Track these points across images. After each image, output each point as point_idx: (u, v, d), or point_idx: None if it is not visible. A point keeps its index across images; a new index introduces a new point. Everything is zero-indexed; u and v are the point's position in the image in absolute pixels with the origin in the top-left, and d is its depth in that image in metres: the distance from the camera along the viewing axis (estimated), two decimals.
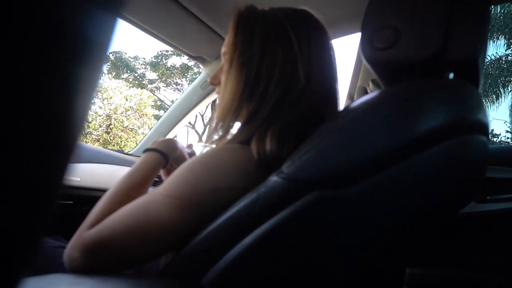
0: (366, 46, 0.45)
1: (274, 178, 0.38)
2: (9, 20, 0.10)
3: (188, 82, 10.64)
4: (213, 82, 0.59)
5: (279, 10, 0.53)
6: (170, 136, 1.52)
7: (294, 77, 0.50)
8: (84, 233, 0.40)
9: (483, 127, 0.42)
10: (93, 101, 0.12)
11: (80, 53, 0.11)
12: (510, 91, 8.70)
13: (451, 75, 0.47)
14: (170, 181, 0.43)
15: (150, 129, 1.58)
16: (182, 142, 0.70)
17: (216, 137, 0.52)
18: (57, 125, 0.11)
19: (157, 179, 1.17)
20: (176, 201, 0.40)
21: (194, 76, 10.22)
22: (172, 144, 0.63)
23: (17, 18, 0.10)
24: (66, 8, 0.11)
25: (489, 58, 8.53)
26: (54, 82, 0.11)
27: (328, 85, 0.53)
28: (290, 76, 0.50)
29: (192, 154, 0.73)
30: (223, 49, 0.56)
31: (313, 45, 0.51)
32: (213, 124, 0.53)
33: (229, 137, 0.52)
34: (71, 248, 0.40)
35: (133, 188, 0.50)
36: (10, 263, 0.11)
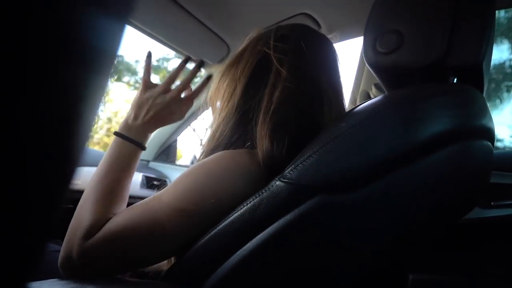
0: (369, 51, 0.45)
1: (276, 183, 0.37)
2: (20, 27, 0.10)
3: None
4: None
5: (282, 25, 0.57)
6: (172, 141, 1.52)
7: (288, 77, 0.50)
8: (85, 242, 0.39)
9: (487, 132, 0.42)
10: (100, 107, 0.12)
11: (89, 60, 0.11)
12: None
13: (455, 80, 0.47)
14: (174, 190, 0.42)
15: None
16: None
17: (215, 135, 0.53)
18: (64, 131, 0.11)
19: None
20: (181, 212, 0.40)
21: (195, 80, 10.23)
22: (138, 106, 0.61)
23: (27, 25, 0.10)
24: (75, 16, 0.11)
25: (492, 62, 8.51)
26: (62, 88, 0.11)
27: (327, 87, 0.53)
28: (287, 77, 0.50)
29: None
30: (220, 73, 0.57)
31: (311, 51, 0.52)
32: (214, 120, 0.54)
33: (225, 138, 0.52)
34: (68, 256, 0.40)
35: (119, 186, 0.50)
36: (16, 267, 0.11)
